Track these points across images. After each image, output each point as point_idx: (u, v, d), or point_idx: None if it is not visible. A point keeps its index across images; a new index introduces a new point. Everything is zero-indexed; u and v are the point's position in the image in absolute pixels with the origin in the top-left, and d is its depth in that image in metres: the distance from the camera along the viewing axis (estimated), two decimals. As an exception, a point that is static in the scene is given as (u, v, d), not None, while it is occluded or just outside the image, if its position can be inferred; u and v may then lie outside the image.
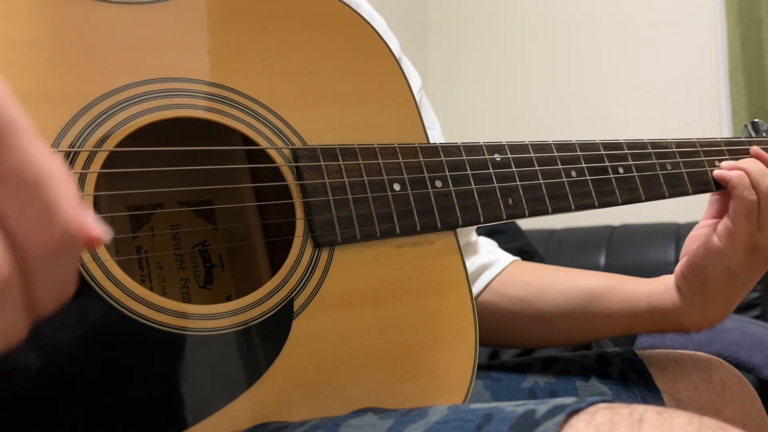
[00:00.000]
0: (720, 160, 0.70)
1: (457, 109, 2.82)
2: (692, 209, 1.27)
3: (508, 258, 0.78)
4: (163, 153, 0.49)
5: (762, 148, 0.71)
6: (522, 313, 0.73)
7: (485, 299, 0.74)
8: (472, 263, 0.75)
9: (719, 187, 0.68)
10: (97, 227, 0.27)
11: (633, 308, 0.69)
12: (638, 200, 0.64)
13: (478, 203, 0.55)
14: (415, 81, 0.69)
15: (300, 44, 0.52)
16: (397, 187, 0.52)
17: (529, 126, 2.61)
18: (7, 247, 0.25)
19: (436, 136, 0.71)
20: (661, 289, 0.68)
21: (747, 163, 0.66)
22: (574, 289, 0.71)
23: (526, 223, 2.03)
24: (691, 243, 0.69)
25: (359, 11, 0.56)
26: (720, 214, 0.68)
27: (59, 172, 0.26)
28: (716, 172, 0.68)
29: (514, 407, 0.36)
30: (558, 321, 0.72)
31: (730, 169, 0.67)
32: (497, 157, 0.58)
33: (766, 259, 0.66)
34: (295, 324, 0.46)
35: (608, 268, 1.96)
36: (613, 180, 0.63)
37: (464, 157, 0.56)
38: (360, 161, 0.51)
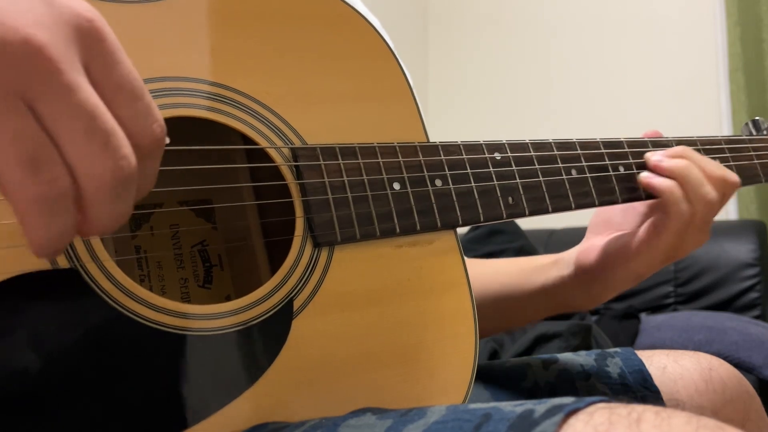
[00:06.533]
0: (721, 159, 0.69)
1: (457, 108, 2.82)
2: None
3: None
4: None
5: (761, 146, 0.70)
6: None
7: None
8: None
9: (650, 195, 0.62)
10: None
11: (534, 303, 0.71)
12: (638, 199, 0.64)
13: (478, 202, 0.55)
14: None
15: (300, 43, 0.52)
16: (396, 186, 0.52)
17: (529, 125, 2.61)
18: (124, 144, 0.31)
19: None
20: (558, 284, 0.69)
21: (683, 168, 0.60)
22: (490, 286, 0.73)
23: (526, 223, 2.03)
24: (600, 235, 0.68)
25: (356, 9, 0.56)
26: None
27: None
28: (645, 179, 0.61)
29: (512, 407, 0.36)
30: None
31: (669, 173, 0.60)
32: (497, 155, 0.58)
33: (677, 258, 0.64)
34: (295, 324, 0.46)
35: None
36: (614, 178, 0.63)
37: (464, 156, 0.56)
38: (360, 160, 0.51)
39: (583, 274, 0.67)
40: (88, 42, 0.31)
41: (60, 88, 0.29)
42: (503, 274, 0.73)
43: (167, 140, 0.35)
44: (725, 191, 0.62)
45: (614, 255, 0.64)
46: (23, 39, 0.29)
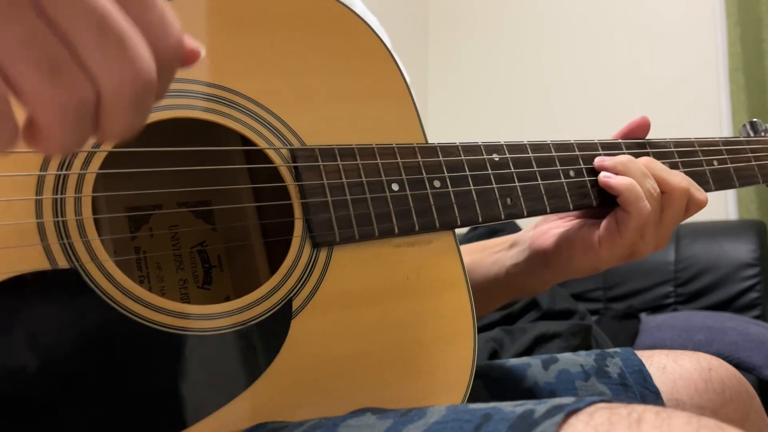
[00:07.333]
0: (719, 161, 0.69)
1: (457, 109, 2.82)
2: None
3: None
4: (161, 154, 0.49)
5: (759, 148, 0.70)
6: None
7: None
8: None
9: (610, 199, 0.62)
10: (193, 42, 0.32)
11: (489, 293, 0.71)
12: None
13: (477, 203, 0.55)
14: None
15: (297, 44, 0.52)
16: (395, 187, 0.52)
17: (528, 126, 2.61)
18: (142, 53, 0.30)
19: None
20: (512, 271, 0.69)
21: (625, 163, 0.61)
22: None
23: (526, 224, 2.03)
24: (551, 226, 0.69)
25: (353, 10, 0.56)
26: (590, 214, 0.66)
27: None
28: (603, 179, 0.61)
29: (512, 407, 0.36)
30: None
31: (612, 169, 0.61)
32: (495, 157, 0.58)
33: (636, 257, 0.64)
34: (294, 324, 0.46)
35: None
36: None
37: (462, 157, 0.56)
38: (358, 161, 0.51)
39: (538, 257, 0.67)
40: None
41: None
42: None
43: (203, 53, 0.33)
44: (674, 196, 0.62)
45: (574, 245, 0.65)
46: None
